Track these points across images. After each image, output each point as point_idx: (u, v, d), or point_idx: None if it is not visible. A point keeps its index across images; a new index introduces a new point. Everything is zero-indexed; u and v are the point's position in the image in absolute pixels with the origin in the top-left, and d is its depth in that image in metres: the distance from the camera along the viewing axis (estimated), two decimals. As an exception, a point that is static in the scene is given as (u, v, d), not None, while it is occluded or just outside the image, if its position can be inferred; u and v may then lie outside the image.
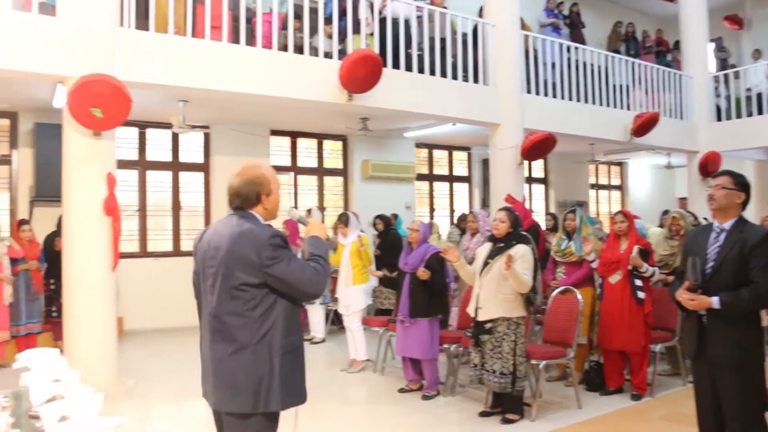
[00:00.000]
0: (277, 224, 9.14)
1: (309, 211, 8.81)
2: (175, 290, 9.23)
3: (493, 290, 4.87)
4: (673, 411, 5.39)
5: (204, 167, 10.08)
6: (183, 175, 9.97)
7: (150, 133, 9.65)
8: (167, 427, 5.16)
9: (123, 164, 8.42)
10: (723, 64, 13.36)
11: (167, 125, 8.94)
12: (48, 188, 7.88)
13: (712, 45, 12.90)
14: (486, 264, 4.95)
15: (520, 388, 4.94)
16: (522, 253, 4.83)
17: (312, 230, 2.84)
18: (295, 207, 10.57)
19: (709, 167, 11.13)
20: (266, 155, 10.33)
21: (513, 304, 4.87)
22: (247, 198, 2.64)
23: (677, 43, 12.77)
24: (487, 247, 5.11)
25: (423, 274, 5.60)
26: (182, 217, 9.94)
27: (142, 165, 9.59)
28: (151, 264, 9.45)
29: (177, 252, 9.80)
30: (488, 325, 4.90)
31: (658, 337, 5.93)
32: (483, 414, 5.24)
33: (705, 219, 8.60)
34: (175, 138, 9.78)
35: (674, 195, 15.94)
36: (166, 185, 9.84)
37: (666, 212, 9.66)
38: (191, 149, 10.05)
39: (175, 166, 9.91)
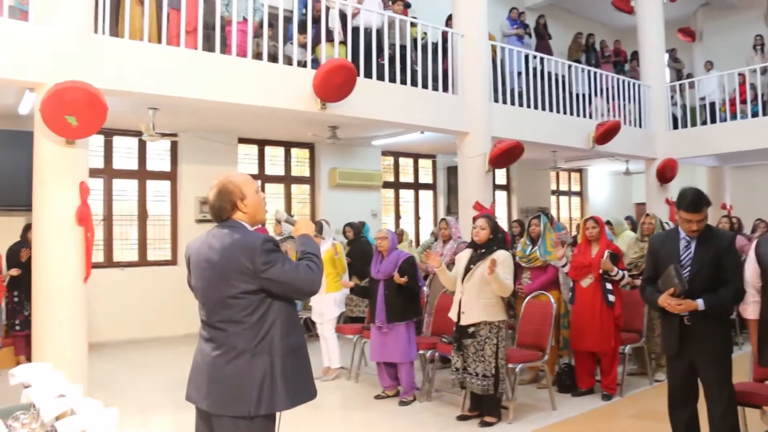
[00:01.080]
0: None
1: (276, 212, 8.79)
2: (142, 301, 9.18)
3: (475, 295, 4.97)
4: (643, 409, 5.58)
5: (171, 176, 9.98)
6: (150, 184, 9.85)
7: (116, 141, 9.51)
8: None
9: (89, 172, 8.28)
10: (678, 75, 13.79)
11: (134, 133, 8.85)
12: (9, 197, 7.67)
13: (667, 56, 13.30)
14: (468, 270, 5.05)
15: (501, 390, 5.06)
16: (503, 259, 4.94)
17: (301, 229, 2.90)
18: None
19: (666, 174, 11.46)
20: (234, 163, 10.29)
21: (494, 308, 4.98)
22: (223, 209, 2.70)
23: (634, 54, 13.15)
24: (468, 253, 5.21)
25: (401, 279, 5.69)
26: (149, 226, 9.81)
27: (107, 173, 9.44)
28: (116, 274, 9.31)
29: (143, 262, 9.67)
30: (471, 329, 5.00)
31: (627, 338, 6.12)
32: (461, 418, 5.33)
33: (668, 223, 8.88)
34: (142, 146, 9.66)
35: (631, 201, 16.39)
36: (132, 194, 9.70)
37: (628, 218, 9.94)
38: (158, 157, 9.93)
39: (142, 174, 9.78)
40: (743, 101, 11.15)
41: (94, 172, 9.01)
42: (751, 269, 3.52)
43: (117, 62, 5.94)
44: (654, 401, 5.71)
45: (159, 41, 6.38)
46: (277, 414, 2.67)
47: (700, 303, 3.52)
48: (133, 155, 9.70)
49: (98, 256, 9.21)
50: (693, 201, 3.58)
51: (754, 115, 11.06)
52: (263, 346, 2.57)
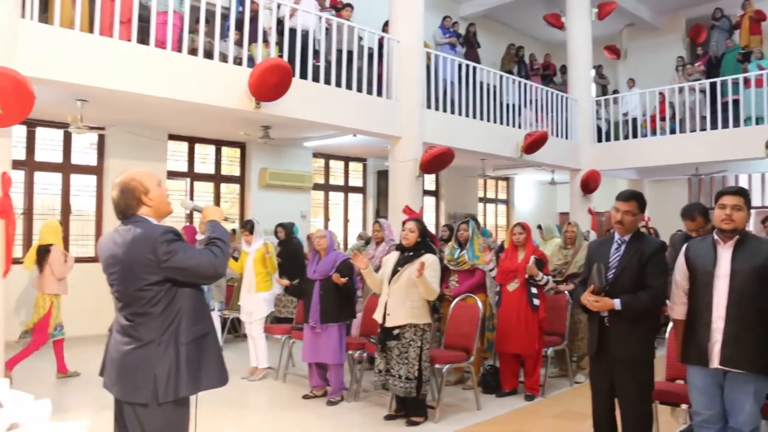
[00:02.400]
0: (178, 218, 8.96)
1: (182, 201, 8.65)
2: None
3: (402, 297, 5.01)
4: (564, 409, 5.78)
5: (97, 170, 9.69)
6: (74, 178, 9.53)
7: (39, 132, 9.17)
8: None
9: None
10: (603, 90, 14.34)
11: (59, 124, 8.55)
12: None
13: (593, 72, 13.82)
14: (395, 272, 5.09)
15: (424, 392, 5.13)
16: (431, 262, 5.01)
17: (208, 215, 2.95)
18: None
19: (590, 184, 11.90)
20: (163, 160, 10.09)
21: (420, 311, 5.03)
22: (127, 206, 2.74)
23: (563, 68, 13.59)
24: (395, 255, 5.26)
25: (341, 280, 5.72)
26: (72, 221, 9.49)
27: (29, 165, 9.09)
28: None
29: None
30: (396, 332, 5.04)
31: (550, 341, 6.32)
32: (388, 417, 5.39)
33: (589, 232, 9.20)
34: (67, 138, 9.34)
35: (556, 210, 16.90)
36: (55, 188, 9.37)
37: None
38: (84, 151, 9.62)
39: (66, 168, 9.46)
40: (663, 118, 11.69)
41: (14, 164, 8.67)
42: (680, 272, 3.66)
43: (45, 50, 5.75)
44: (574, 401, 5.96)
45: (91, 31, 6.21)
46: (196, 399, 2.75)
47: (616, 302, 3.67)
48: (57, 148, 9.37)
49: (16, 251, 8.85)
50: (626, 192, 3.93)
51: (672, 132, 11.61)
52: (169, 334, 2.65)
